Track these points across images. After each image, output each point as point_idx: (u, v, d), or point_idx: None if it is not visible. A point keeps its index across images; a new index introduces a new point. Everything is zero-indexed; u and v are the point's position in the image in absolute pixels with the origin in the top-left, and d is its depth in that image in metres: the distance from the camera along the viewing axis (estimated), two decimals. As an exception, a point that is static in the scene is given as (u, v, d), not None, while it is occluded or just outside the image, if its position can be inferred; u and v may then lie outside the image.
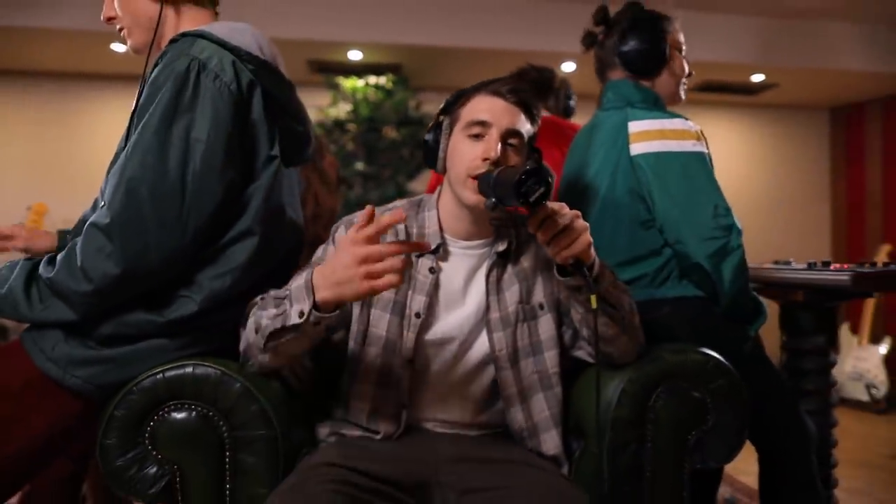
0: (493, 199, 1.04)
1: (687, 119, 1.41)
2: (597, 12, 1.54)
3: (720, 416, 1.21)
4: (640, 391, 1.18)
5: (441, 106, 1.24)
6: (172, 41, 1.11)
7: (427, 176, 4.01)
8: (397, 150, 3.73)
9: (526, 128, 1.17)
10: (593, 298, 1.03)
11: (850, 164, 4.91)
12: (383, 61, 3.63)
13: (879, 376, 4.09)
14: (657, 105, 1.47)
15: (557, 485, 1.07)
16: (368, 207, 0.97)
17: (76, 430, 1.11)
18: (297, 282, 1.01)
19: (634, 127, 1.40)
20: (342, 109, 3.96)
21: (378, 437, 1.17)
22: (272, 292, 1.08)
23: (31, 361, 1.05)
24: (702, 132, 1.42)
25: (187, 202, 1.03)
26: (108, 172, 1.15)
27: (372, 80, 3.58)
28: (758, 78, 4.14)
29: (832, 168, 5.04)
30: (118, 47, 3.39)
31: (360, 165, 3.91)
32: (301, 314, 0.97)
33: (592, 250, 1.05)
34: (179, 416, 1.08)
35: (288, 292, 1.02)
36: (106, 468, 1.06)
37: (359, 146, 3.93)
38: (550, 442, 1.18)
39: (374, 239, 0.93)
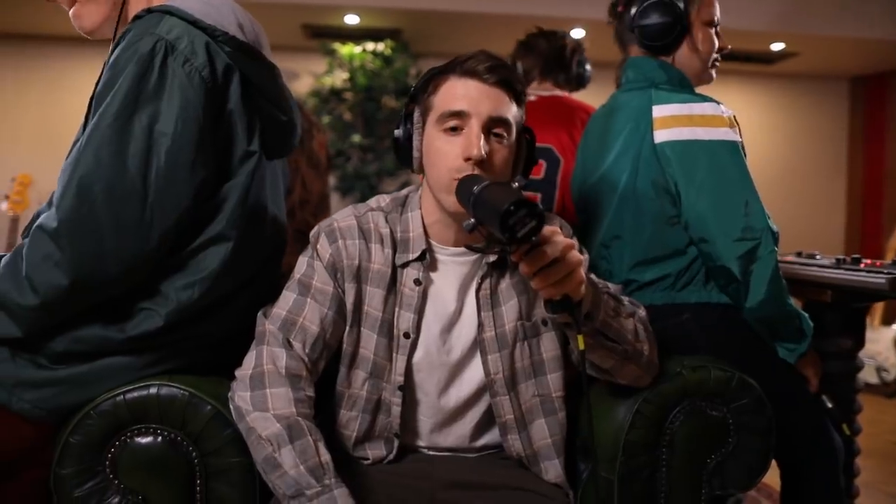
0: (473, 221, 0.88)
1: (719, 103, 1.26)
2: None
3: (742, 437, 1.11)
4: (655, 412, 1.08)
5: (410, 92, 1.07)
6: (137, 17, 0.96)
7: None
8: (397, 120, 3.56)
9: (513, 112, 1.00)
10: (580, 339, 0.89)
11: (869, 137, 4.72)
12: (382, 26, 3.43)
13: (891, 359, 3.99)
14: (683, 85, 1.32)
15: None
16: None
17: (31, 453, 1.00)
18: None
19: (659, 111, 1.25)
20: (338, 77, 3.77)
21: (367, 462, 1.07)
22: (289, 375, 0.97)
23: None
24: (734, 117, 1.27)
25: (150, 204, 0.90)
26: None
27: (370, 46, 3.37)
28: (777, 46, 3.94)
29: (850, 141, 4.86)
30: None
31: (357, 137, 3.73)
32: None
33: (583, 288, 0.89)
34: (144, 441, 0.97)
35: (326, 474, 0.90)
36: (62, 501, 0.95)
37: (356, 116, 3.75)
38: (553, 471, 1.07)
39: None
